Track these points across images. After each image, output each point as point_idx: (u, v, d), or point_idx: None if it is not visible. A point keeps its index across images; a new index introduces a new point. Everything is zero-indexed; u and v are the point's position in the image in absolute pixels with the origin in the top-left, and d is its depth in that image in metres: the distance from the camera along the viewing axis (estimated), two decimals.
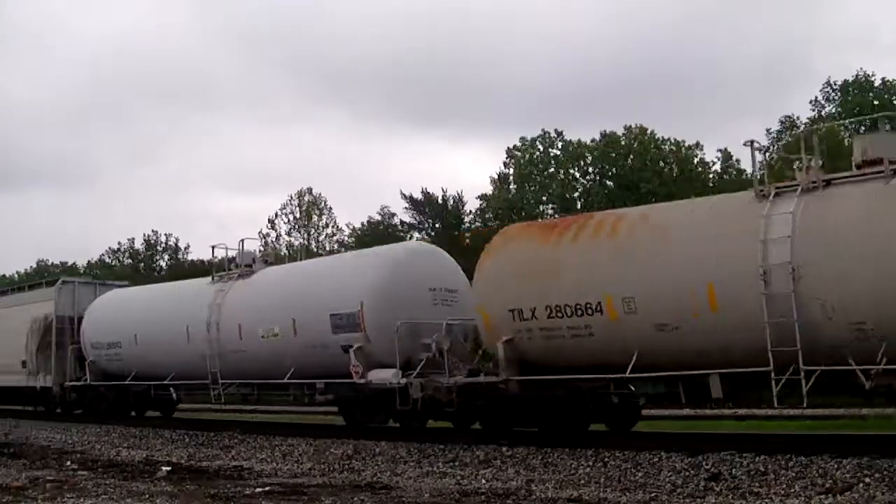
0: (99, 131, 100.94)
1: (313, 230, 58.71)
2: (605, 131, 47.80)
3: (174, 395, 22.83)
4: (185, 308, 20.66)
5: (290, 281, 18.72)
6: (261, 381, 19.10)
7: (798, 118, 48.23)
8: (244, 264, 20.13)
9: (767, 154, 46.47)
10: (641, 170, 44.65)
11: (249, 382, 19.52)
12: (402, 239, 45.41)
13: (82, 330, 24.01)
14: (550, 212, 45.55)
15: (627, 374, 12.51)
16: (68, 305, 25.04)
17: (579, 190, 47.06)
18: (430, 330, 15.61)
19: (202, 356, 19.31)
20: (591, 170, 47.24)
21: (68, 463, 14.23)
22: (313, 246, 57.35)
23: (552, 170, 48.17)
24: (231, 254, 21.08)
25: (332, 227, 58.32)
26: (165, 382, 21.12)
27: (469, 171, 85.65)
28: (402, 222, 52.90)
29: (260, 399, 22.09)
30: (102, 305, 24.42)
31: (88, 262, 68.08)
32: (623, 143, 46.99)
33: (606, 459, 11.81)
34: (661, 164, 46.18)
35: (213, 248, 21.71)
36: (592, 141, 47.71)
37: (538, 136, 49.65)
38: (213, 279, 20.78)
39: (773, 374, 10.97)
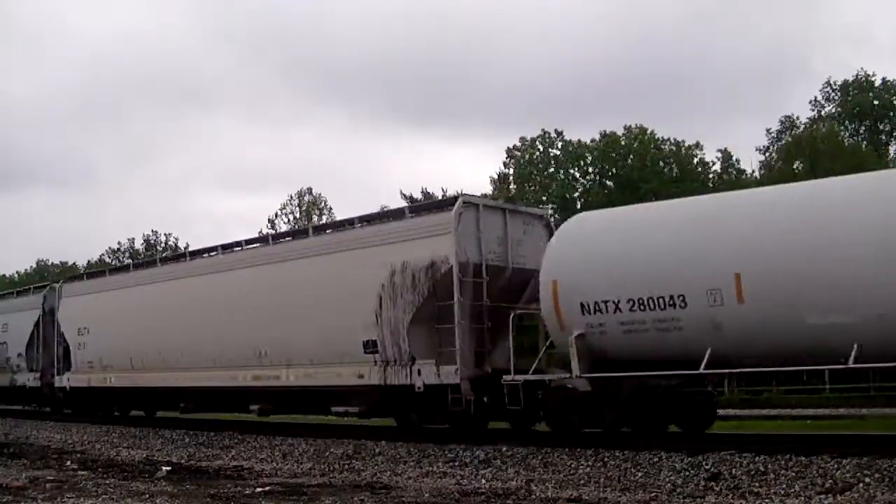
0: (98, 131, 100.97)
1: None
2: (605, 131, 47.92)
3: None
4: None
5: None
6: None
7: (798, 118, 48.34)
8: None
9: (767, 154, 46.90)
10: (641, 170, 44.71)
11: None
12: None
13: (553, 282, 13.21)
14: (550, 212, 45.60)
15: None
16: (471, 243, 14.54)
17: (579, 190, 47.11)
18: None
19: None
20: (591, 170, 47.32)
21: (68, 463, 14.23)
22: None
23: (552, 170, 48.24)
24: None
25: None
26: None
27: (469, 171, 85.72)
28: None
29: None
30: (606, 235, 13.51)
31: (88, 261, 68.08)
32: (623, 143, 47.05)
33: (606, 459, 11.81)
34: (661, 164, 46.24)
35: None
36: (592, 141, 47.78)
37: (538, 136, 49.74)
38: None
39: None
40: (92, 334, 22.72)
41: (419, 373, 14.48)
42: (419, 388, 14.47)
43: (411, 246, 14.81)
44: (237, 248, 19.24)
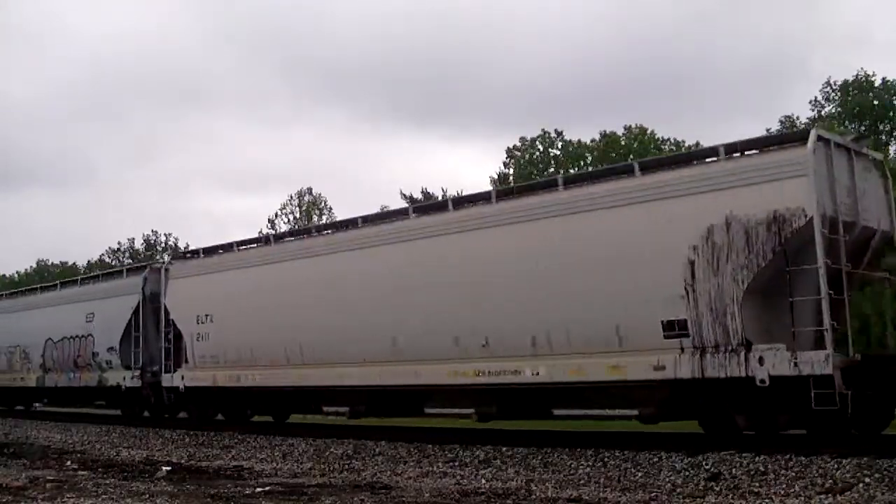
0: (98, 131, 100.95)
1: None
2: (604, 131, 47.94)
3: None
4: None
5: None
6: None
7: (798, 118, 48.30)
8: None
9: None
10: None
11: None
12: None
13: None
14: None
15: None
16: (825, 190, 11.26)
17: None
18: None
19: None
20: (591, 170, 47.34)
21: (68, 463, 14.23)
22: None
23: (552, 170, 48.26)
24: None
25: None
26: None
27: (469, 170, 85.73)
28: None
29: None
30: None
31: (88, 261, 68.10)
32: (623, 143, 47.07)
33: (606, 459, 11.82)
34: None
35: None
36: (592, 141, 47.80)
37: (538, 136, 49.76)
38: None
39: None
40: (217, 323, 18.54)
41: (760, 361, 11.03)
42: (762, 381, 11.01)
43: (736, 194, 11.38)
44: (446, 210, 15.06)
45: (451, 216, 14.74)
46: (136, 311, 21.34)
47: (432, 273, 14.37)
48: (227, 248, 19.49)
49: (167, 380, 19.96)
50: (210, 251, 20.13)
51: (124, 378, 21.49)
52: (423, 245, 14.79)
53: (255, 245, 19.03)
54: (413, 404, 16.05)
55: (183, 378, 19.52)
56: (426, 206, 15.50)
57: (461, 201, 15.33)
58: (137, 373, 21.14)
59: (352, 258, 15.94)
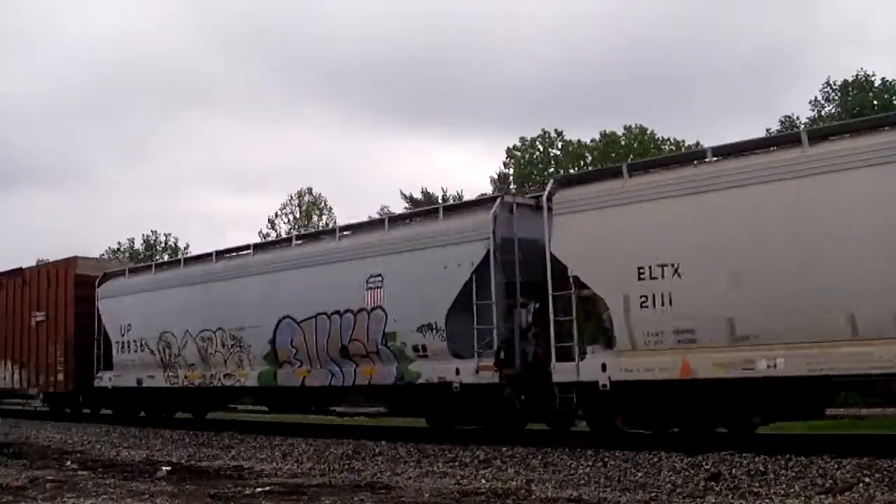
0: (97, 131, 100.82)
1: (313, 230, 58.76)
2: (604, 131, 47.98)
3: None
4: None
5: None
6: None
7: (798, 118, 48.36)
8: None
9: None
10: None
11: None
12: None
13: None
14: None
15: None
16: None
17: None
18: None
19: None
20: (591, 170, 47.43)
21: (68, 463, 14.22)
22: None
23: (552, 169, 48.34)
24: None
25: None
26: None
27: (468, 170, 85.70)
28: None
29: None
30: None
31: None
32: (623, 143, 47.12)
33: (606, 459, 11.82)
34: None
35: None
36: (592, 141, 47.84)
37: (538, 136, 49.83)
38: None
39: None
40: (692, 275, 11.67)
41: None
42: None
43: None
44: None
45: None
46: (479, 268, 14.11)
47: None
48: (694, 157, 12.54)
49: (563, 372, 13.05)
50: (642, 167, 13.09)
51: (457, 371, 14.27)
52: None
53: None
54: None
55: (606, 368, 12.54)
56: None
57: None
58: (490, 362, 13.85)
59: None
